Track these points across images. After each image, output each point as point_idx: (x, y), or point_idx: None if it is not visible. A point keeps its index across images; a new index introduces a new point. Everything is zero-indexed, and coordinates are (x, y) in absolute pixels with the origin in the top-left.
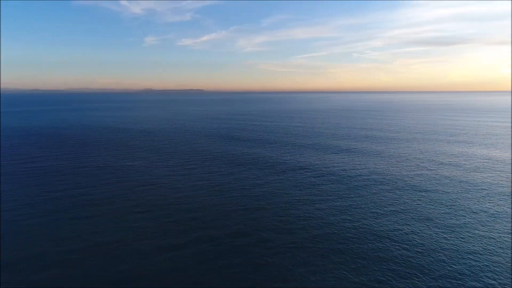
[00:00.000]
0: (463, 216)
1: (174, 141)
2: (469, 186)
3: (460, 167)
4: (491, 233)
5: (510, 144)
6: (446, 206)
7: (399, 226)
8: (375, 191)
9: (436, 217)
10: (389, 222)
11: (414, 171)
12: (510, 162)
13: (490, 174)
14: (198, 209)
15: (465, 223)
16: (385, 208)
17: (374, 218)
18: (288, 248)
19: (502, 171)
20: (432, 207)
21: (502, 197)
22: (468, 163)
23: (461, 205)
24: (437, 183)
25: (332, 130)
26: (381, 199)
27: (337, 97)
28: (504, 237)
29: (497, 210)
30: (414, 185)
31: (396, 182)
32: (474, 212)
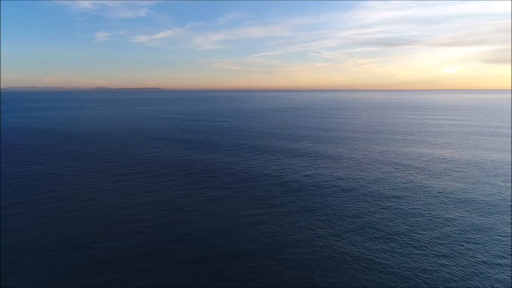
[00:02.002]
0: (427, 226)
1: (109, 146)
2: (430, 190)
3: (418, 169)
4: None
5: (462, 143)
6: (409, 217)
7: (366, 243)
8: (340, 202)
9: (401, 234)
10: (353, 240)
11: (375, 175)
12: (465, 161)
13: (449, 177)
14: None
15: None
16: (347, 225)
17: (336, 239)
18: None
19: (460, 171)
20: (398, 220)
21: (466, 203)
22: (425, 164)
23: (421, 213)
24: (397, 188)
25: (289, 130)
26: (347, 209)
27: (294, 95)
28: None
29: (460, 216)
30: (379, 193)
31: (359, 190)
32: (432, 218)
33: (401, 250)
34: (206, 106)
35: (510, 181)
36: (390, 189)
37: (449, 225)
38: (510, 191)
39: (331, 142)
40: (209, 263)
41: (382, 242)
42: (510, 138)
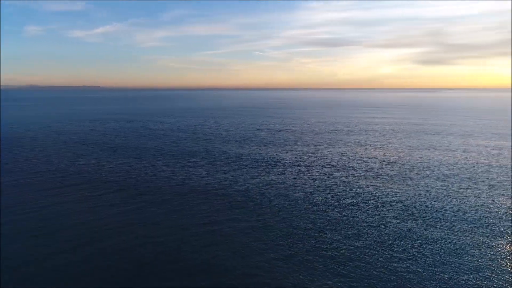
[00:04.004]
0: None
1: (31, 153)
2: (381, 198)
3: (365, 171)
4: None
5: (405, 144)
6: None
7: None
8: (286, 216)
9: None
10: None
11: (325, 182)
12: (411, 162)
13: (400, 181)
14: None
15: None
16: (294, 246)
17: (284, 262)
18: None
19: (407, 174)
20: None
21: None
22: (372, 166)
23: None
24: (348, 196)
25: (234, 131)
26: (294, 224)
27: (239, 94)
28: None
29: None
30: (328, 203)
31: (308, 200)
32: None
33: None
34: (149, 106)
35: (460, 181)
36: (341, 197)
37: (405, 238)
38: (465, 195)
39: (278, 144)
40: None
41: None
42: (451, 137)
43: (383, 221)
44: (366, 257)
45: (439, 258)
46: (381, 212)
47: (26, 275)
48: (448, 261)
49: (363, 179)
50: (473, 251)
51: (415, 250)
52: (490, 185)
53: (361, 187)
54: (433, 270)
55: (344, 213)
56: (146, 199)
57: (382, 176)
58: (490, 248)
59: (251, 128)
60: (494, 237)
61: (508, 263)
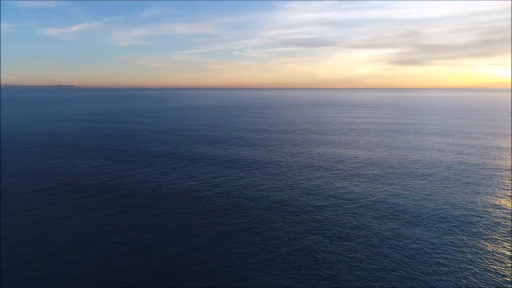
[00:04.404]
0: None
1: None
2: (363, 200)
3: (346, 172)
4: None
5: (386, 145)
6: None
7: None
8: (271, 219)
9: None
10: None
11: (307, 184)
12: (391, 162)
13: (380, 182)
14: None
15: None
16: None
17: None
18: None
19: (387, 175)
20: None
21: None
22: (353, 166)
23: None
24: (327, 198)
25: (215, 132)
26: (279, 228)
27: (220, 93)
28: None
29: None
30: (309, 206)
31: (290, 202)
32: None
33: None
34: (126, 106)
35: (440, 181)
36: (323, 198)
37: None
38: (446, 196)
39: (259, 145)
40: None
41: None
42: (428, 136)
43: (364, 221)
44: (348, 259)
45: (421, 258)
46: (362, 213)
47: None
48: (429, 261)
49: (345, 179)
50: (454, 250)
51: (397, 250)
52: (468, 183)
53: (342, 187)
54: (415, 270)
55: (326, 215)
56: (124, 203)
57: (363, 176)
58: (469, 247)
59: (231, 129)
60: (474, 236)
61: (488, 262)
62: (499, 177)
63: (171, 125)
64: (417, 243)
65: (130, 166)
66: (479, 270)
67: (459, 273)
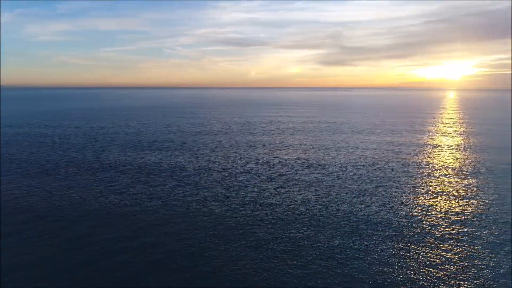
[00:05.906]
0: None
1: None
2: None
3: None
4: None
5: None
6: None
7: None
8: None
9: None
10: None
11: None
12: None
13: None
14: None
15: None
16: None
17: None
18: None
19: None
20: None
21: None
22: (291, 169)
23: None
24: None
25: (142, 135)
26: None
27: (150, 93)
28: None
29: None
30: (243, 219)
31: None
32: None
33: None
34: (40, 107)
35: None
36: (260, 207)
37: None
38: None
39: (191, 148)
40: None
41: None
42: (360, 135)
43: (307, 233)
44: (288, 274)
45: (366, 268)
46: (301, 222)
47: None
48: (375, 270)
49: (282, 187)
50: (396, 254)
51: (341, 262)
52: (405, 183)
53: (281, 194)
54: (361, 279)
55: (265, 227)
56: (23, 229)
57: (300, 181)
58: (410, 251)
59: (161, 131)
60: (414, 241)
61: (431, 270)
62: (423, 175)
63: (92, 128)
64: (362, 252)
65: (38, 180)
66: (428, 277)
67: (409, 279)
